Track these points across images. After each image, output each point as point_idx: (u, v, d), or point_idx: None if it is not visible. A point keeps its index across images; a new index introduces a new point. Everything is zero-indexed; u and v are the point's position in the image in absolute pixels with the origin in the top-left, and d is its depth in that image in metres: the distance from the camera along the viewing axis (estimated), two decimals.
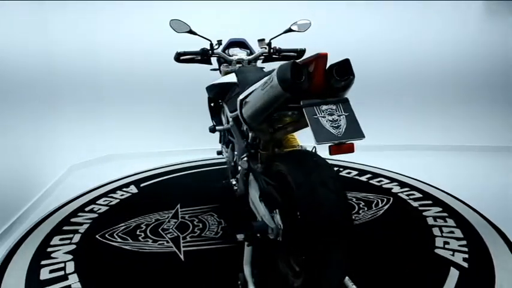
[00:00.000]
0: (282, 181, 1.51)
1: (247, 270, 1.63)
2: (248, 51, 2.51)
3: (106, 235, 2.15)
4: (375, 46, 3.79)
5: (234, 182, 2.05)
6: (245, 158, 1.74)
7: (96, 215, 2.43)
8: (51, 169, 3.07)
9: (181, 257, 1.93)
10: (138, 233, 2.19)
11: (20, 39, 2.64)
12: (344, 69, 1.22)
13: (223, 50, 2.46)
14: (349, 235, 1.24)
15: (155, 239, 2.11)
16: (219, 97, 2.36)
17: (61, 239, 2.11)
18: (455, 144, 3.94)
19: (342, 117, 1.19)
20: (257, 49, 2.53)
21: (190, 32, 2.29)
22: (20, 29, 2.67)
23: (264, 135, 1.65)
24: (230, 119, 2.16)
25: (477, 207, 2.42)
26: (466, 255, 1.85)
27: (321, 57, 1.18)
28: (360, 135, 1.16)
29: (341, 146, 1.14)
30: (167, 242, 2.08)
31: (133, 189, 2.91)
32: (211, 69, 2.61)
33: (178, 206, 2.55)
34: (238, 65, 2.37)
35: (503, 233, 2.07)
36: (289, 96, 1.23)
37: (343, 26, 3.76)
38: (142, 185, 3.01)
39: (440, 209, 2.41)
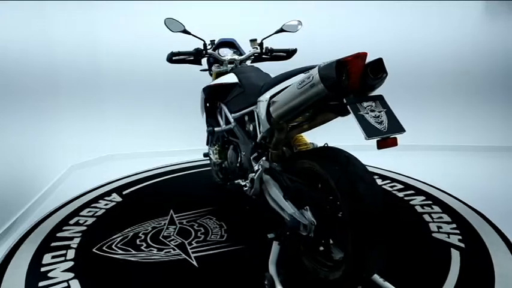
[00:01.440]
0: (309, 178, 1.55)
1: (272, 269, 1.63)
2: (238, 51, 2.51)
3: (104, 248, 2.00)
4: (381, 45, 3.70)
5: (243, 183, 2.02)
6: (263, 158, 1.73)
7: (84, 228, 2.25)
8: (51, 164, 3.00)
9: (194, 263, 1.86)
10: (138, 242, 2.06)
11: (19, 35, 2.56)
12: (377, 68, 1.28)
13: (213, 50, 2.42)
14: (387, 224, 1.31)
15: (160, 248, 2.01)
16: (216, 98, 2.32)
17: (53, 257, 1.92)
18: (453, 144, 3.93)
19: (382, 113, 1.25)
20: (246, 49, 2.54)
21: (184, 31, 2.24)
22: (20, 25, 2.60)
23: (281, 134, 1.66)
24: (232, 120, 2.14)
25: (457, 195, 2.62)
26: (460, 237, 2.04)
27: (361, 57, 1.23)
28: (401, 129, 1.23)
29: (387, 141, 1.20)
30: (173, 249, 1.99)
31: (116, 197, 2.73)
32: (200, 70, 2.56)
33: (172, 211, 2.45)
34: (230, 65, 2.36)
35: (486, 218, 2.28)
36: (331, 94, 1.26)
37: (341, 25, 3.81)
38: (125, 192, 2.84)
39: (424, 197, 2.61)
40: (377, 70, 1.27)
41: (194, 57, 2.32)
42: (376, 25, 3.82)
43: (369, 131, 1.18)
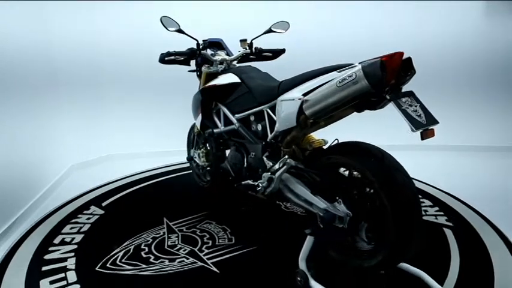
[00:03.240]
0: (336, 172, 1.61)
1: (303, 265, 1.66)
2: (225, 51, 2.48)
3: (107, 265, 1.83)
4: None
5: (255, 183, 2.00)
6: (286, 156, 1.74)
7: (74, 246, 2.02)
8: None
9: (214, 269, 1.80)
10: (144, 255, 1.92)
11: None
12: (407, 66, 1.39)
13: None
14: (421, 210, 1.43)
15: (170, 258, 1.90)
16: (215, 99, 2.26)
17: (52, 282, 1.69)
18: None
19: (417, 107, 1.35)
20: (233, 49, 2.52)
21: (179, 30, 2.16)
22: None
23: (301, 131, 1.70)
24: (235, 121, 2.11)
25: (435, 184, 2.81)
26: (446, 217, 2.28)
27: (399, 56, 1.32)
28: (436, 121, 1.34)
29: (428, 132, 1.31)
30: (186, 258, 1.90)
31: (96, 210, 2.50)
32: (188, 71, 2.48)
33: (166, 219, 2.32)
34: (220, 66, 2.33)
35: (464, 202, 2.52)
36: (373, 91, 1.34)
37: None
38: (105, 203, 2.61)
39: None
40: (407, 68, 1.38)
41: (188, 57, 2.24)
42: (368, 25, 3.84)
43: (414, 123, 1.28)
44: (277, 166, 1.76)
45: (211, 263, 1.85)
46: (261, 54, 2.45)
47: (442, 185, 2.86)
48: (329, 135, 1.84)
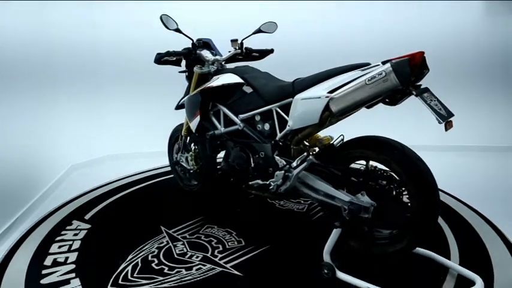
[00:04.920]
0: (354, 166, 1.70)
1: (328, 257, 1.71)
2: (213, 51, 2.43)
3: (119, 282, 1.68)
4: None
5: (267, 182, 1.99)
6: (305, 154, 1.77)
7: (72, 266, 1.82)
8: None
9: (236, 272, 1.76)
10: (156, 267, 1.81)
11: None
12: (423, 64, 1.52)
13: None
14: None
15: (186, 266, 1.81)
16: (214, 100, 2.20)
17: None
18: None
19: (436, 101, 1.49)
20: (221, 49, 2.49)
21: (177, 30, 2.10)
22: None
23: (318, 129, 1.75)
24: (238, 121, 2.08)
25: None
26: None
27: (420, 54, 1.44)
28: (452, 113, 1.49)
29: (449, 123, 1.45)
30: (203, 264, 1.83)
31: (81, 225, 2.27)
32: (179, 72, 2.38)
33: (163, 228, 2.21)
34: (211, 66, 2.29)
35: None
36: (401, 87, 1.44)
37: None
38: (88, 216, 2.38)
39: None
40: (423, 66, 1.51)
41: (184, 57, 2.16)
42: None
43: (441, 116, 1.41)
44: (295, 163, 1.79)
45: (230, 266, 1.81)
46: (250, 54, 2.45)
47: (442, 184, 2.86)
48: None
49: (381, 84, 1.44)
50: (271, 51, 2.55)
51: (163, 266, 1.81)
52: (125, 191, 2.87)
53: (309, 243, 2.00)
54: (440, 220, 2.18)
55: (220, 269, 1.79)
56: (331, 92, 1.58)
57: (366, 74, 1.50)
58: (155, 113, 3.64)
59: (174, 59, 2.21)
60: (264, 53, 2.53)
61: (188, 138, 2.59)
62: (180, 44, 2.28)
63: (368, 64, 1.59)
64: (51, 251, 1.96)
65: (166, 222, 2.27)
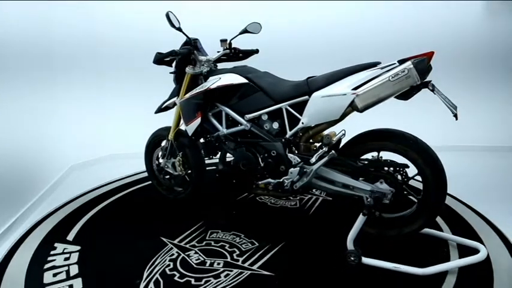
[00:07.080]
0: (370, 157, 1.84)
1: (351, 245, 1.80)
2: (200, 51, 2.36)
3: None
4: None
5: (280, 180, 1.98)
6: (325, 149, 1.83)
7: None
8: None
9: (267, 272, 1.74)
10: (179, 280, 1.69)
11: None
12: None
13: None
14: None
15: (213, 275, 1.72)
16: (217, 100, 2.12)
17: None
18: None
19: (443, 95, 1.70)
20: (208, 49, 2.43)
21: (179, 29, 2.01)
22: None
23: (333, 125, 1.85)
24: (244, 121, 2.06)
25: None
26: None
27: (431, 54, 1.63)
28: (455, 105, 1.71)
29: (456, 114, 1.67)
30: (229, 270, 1.76)
31: (68, 247, 1.97)
32: (170, 72, 2.25)
33: (164, 239, 2.06)
34: (203, 67, 2.23)
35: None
36: (420, 84, 1.61)
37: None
38: (70, 237, 2.08)
39: None
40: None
41: (185, 57, 2.05)
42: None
43: (453, 108, 1.61)
44: (314, 159, 1.84)
45: (257, 268, 1.79)
46: (238, 55, 2.44)
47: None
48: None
49: (404, 80, 1.59)
50: (257, 51, 2.57)
51: (188, 278, 1.70)
52: (116, 194, 2.77)
53: (319, 235, 2.08)
54: (440, 220, 2.21)
55: (249, 271, 1.75)
56: (355, 89, 1.68)
57: (388, 71, 1.63)
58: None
59: (169, 58, 2.09)
60: (249, 54, 2.53)
61: (175, 142, 2.45)
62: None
63: (379, 63, 1.73)
64: (44, 282, 1.68)
65: (166, 231, 2.13)
